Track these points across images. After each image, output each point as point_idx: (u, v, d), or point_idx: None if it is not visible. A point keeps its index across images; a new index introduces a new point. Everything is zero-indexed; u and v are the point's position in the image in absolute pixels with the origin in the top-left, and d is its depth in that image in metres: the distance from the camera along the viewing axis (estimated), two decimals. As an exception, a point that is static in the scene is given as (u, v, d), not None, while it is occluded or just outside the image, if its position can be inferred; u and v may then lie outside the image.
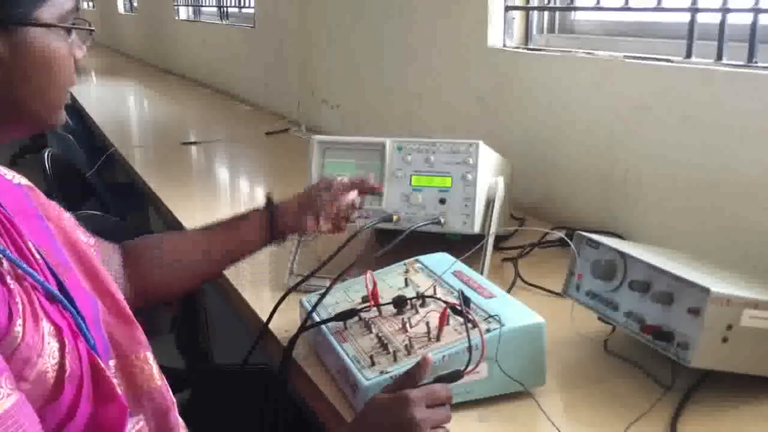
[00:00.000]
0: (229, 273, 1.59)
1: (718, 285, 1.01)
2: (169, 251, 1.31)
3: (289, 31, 3.37)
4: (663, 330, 1.05)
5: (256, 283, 1.54)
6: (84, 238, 1.12)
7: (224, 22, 4.51)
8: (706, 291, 1.00)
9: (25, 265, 0.86)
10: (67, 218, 1.12)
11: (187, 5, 5.29)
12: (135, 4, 6.91)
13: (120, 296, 1.03)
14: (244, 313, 1.45)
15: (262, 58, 3.74)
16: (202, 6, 5.07)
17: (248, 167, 2.81)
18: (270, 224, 1.33)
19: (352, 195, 1.37)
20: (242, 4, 4.22)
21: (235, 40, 4.17)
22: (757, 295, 1.03)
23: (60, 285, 0.92)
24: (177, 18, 5.37)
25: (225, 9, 4.51)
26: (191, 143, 3.04)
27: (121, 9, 7.26)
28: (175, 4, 5.36)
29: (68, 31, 0.89)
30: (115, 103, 4.18)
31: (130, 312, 1.03)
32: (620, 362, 1.17)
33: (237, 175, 2.72)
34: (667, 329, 1.05)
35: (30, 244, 0.92)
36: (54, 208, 1.09)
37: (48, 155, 2.70)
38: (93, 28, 0.94)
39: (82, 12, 0.92)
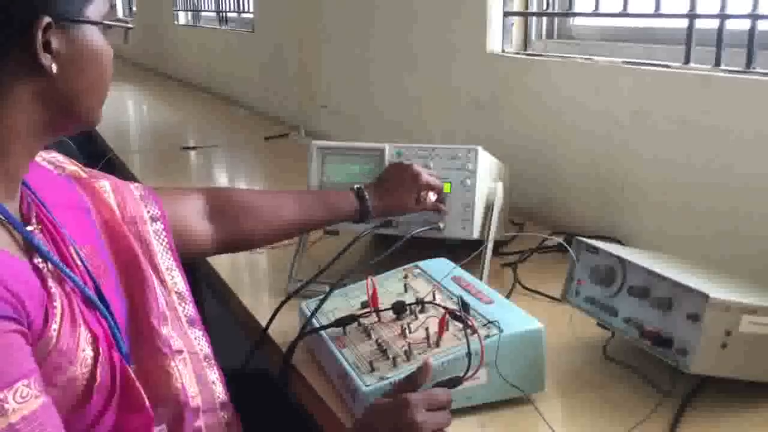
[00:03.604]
0: (229, 278, 1.59)
1: (717, 291, 1.01)
2: (265, 211, 1.33)
3: (288, 35, 3.37)
4: (662, 336, 1.05)
5: (256, 288, 1.54)
6: (149, 212, 1.13)
7: (223, 27, 4.51)
8: (704, 297, 1.00)
9: (67, 269, 0.87)
10: (132, 196, 1.13)
11: (186, 10, 5.29)
12: (134, 9, 6.91)
13: (152, 300, 1.04)
14: (244, 318, 1.45)
15: (261, 63, 3.74)
16: (201, 11, 5.07)
17: (247, 172, 2.82)
18: (363, 209, 1.40)
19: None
20: (241, 9, 4.22)
21: (234, 44, 4.18)
22: (756, 301, 1.03)
23: (97, 289, 0.93)
24: (176, 23, 5.37)
25: (224, 14, 4.51)
26: (190, 148, 3.03)
27: (119, 14, 7.26)
28: (174, 9, 5.37)
29: (105, 30, 0.91)
30: (113, 107, 4.17)
31: (156, 318, 1.03)
32: (619, 368, 1.17)
33: (236, 180, 2.72)
34: (666, 335, 1.05)
35: (72, 248, 0.92)
36: (106, 196, 1.09)
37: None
38: (132, 26, 0.98)
39: (117, 11, 0.94)
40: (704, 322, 0.99)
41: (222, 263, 1.65)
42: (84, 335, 0.84)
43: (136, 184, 1.18)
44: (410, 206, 1.43)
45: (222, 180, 2.71)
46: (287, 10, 3.37)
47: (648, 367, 1.14)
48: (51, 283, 0.83)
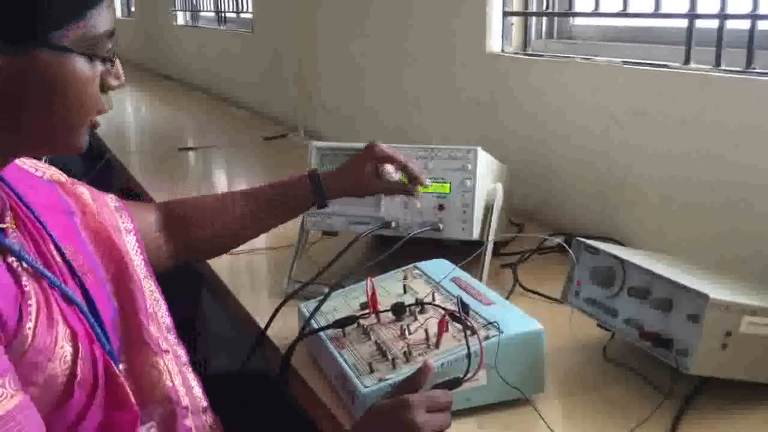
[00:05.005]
0: (228, 279, 1.59)
1: (717, 291, 1.01)
2: (212, 212, 1.31)
3: (286, 36, 3.37)
4: (662, 336, 1.05)
5: (255, 289, 1.54)
6: (123, 224, 1.12)
7: (222, 28, 4.51)
8: (705, 297, 0.99)
9: (41, 267, 0.86)
10: (108, 208, 1.12)
11: (185, 10, 5.29)
12: (132, 9, 6.91)
13: (140, 300, 1.04)
14: (243, 319, 1.45)
15: (259, 63, 3.74)
16: (200, 11, 5.07)
17: (246, 173, 2.81)
18: (317, 188, 1.32)
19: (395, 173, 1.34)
20: (240, 9, 4.22)
21: (233, 45, 4.18)
22: (755, 302, 1.03)
23: (82, 286, 0.92)
24: (175, 23, 5.37)
25: (223, 14, 4.51)
26: (189, 149, 3.03)
27: (118, 14, 7.26)
28: (173, 9, 5.37)
29: (92, 57, 0.85)
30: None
31: (145, 316, 1.03)
32: (619, 369, 1.17)
33: (235, 180, 2.72)
34: (666, 336, 1.05)
35: (52, 246, 0.92)
36: (96, 196, 1.09)
37: (45, 161, 2.69)
38: (114, 59, 0.89)
39: (117, 39, 0.87)
40: (704, 322, 0.99)
41: (221, 264, 1.65)
42: (62, 332, 0.83)
43: (111, 195, 1.16)
44: (369, 182, 1.33)
45: (221, 180, 2.71)
46: (286, 10, 3.37)
47: (648, 368, 1.13)
48: (26, 280, 0.82)
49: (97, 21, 0.83)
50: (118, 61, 0.90)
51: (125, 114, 4.17)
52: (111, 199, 1.16)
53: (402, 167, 1.34)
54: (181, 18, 5.36)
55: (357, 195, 1.38)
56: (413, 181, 1.35)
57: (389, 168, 1.34)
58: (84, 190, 1.10)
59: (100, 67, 0.86)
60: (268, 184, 1.36)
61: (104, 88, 0.89)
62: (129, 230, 1.14)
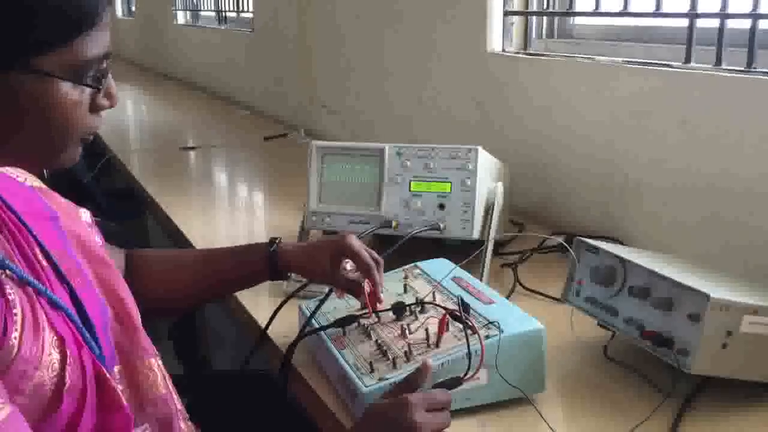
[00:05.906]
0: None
1: (718, 291, 1.01)
2: (172, 269, 1.27)
3: (287, 35, 3.37)
4: (663, 336, 1.05)
5: (255, 288, 1.53)
6: (98, 239, 1.11)
7: (223, 27, 4.51)
8: (705, 297, 0.99)
9: (25, 274, 0.85)
10: (85, 218, 1.11)
11: (186, 10, 5.29)
12: (133, 9, 6.91)
13: (129, 301, 1.03)
14: (243, 319, 1.45)
15: (260, 63, 3.74)
16: (200, 10, 5.07)
17: (247, 172, 2.81)
18: (271, 262, 1.25)
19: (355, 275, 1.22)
20: (241, 8, 4.22)
21: (234, 44, 4.17)
22: (756, 301, 1.03)
23: (71, 291, 0.91)
24: (175, 22, 5.37)
25: (223, 13, 4.51)
26: (189, 148, 3.03)
27: (119, 13, 7.27)
28: (174, 8, 5.36)
29: (78, 82, 0.83)
30: (112, 107, 4.16)
31: (137, 318, 1.02)
32: (620, 368, 1.17)
33: (235, 180, 2.72)
34: (666, 335, 1.05)
35: (38, 249, 0.90)
36: (71, 208, 1.08)
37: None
38: (98, 87, 0.86)
39: (109, 65, 0.85)
40: (705, 322, 0.99)
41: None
42: (49, 339, 0.82)
43: (84, 209, 1.14)
44: (323, 271, 1.21)
45: (221, 180, 2.71)
46: (287, 9, 3.36)
47: (649, 368, 1.13)
48: (10, 288, 0.80)
49: (85, 46, 0.81)
50: (112, 82, 0.88)
51: (126, 114, 4.17)
52: (84, 212, 1.13)
53: (365, 272, 1.18)
54: (181, 17, 5.35)
55: (308, 277, 1.29)
56: (369, 295, 1.19)
57: (348, 266, 1.22)
58: (58, 196, 1.09)
59: (89, 89, 0.85)
60: (226, 249, 1.31)
61: (95, 108, 0.87)
62: (100, 244, 1.11)
